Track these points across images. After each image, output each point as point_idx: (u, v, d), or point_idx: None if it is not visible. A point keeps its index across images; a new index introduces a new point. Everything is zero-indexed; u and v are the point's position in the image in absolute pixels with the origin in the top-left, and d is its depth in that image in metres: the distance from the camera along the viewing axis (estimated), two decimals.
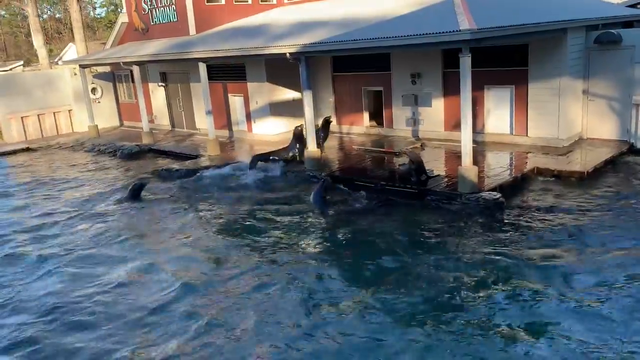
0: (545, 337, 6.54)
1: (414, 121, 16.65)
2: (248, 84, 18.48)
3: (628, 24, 15.85)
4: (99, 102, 24.50)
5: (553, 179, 12.20)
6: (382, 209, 11.52)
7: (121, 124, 25.34)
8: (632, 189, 11.31)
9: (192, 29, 18.95)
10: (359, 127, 18.36)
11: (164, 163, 17.29)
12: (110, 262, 9.87)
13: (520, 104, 14.56)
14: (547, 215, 10.34)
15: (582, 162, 12.83)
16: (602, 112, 14.31)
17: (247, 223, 11.35)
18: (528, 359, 6.22)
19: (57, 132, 24.18)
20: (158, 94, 22.36)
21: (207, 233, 11.03)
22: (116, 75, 24.67)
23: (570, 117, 14.14)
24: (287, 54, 13.75)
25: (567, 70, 13.62)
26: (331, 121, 15.94)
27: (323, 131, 15.43)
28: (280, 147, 15.56)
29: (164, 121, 22.59)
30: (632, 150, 13.64)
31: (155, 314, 7.90)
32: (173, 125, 22.35)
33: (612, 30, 13.80)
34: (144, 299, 8.35)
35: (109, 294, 8.63)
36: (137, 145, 19.74)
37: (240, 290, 8.39)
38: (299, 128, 14.94)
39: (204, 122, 18.59)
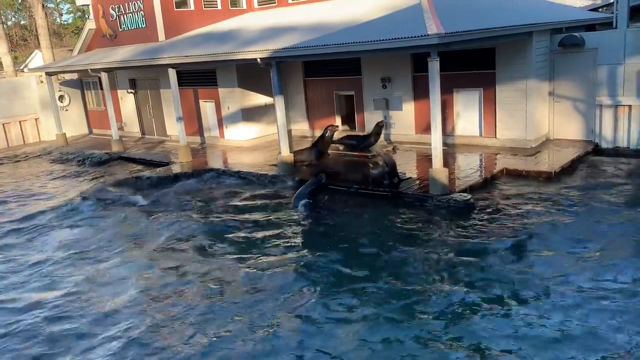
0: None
1: (386, 125, 16.78)
2: (219, 89, 18.38)
3: (590, 27, 16.33)
4: (66, 110, 24.03)
5: (522, 179, 12.44)
6: (355, 212, 11.58)
7: (90, 132, 24.90)
8: (597, 188, 11.60)
9: (161, 35, 18.77)
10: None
11: (134, 171, 17.04)
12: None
13: (489, 106, 14.83)
14: (515, 215, 10.54)
15: (549, 162, 13.12)
16: (568, 113, 14.67)
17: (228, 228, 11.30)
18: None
19: (24, 142, 23.60)
20: (127, 100, 22.06)
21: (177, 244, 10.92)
22: (84, 82, 24.25)
23: (537, 119, 14.45)
24: (258, 60, 13.74)
25: (533, 73, 13.92)
26: (382, 125, 15.33)
27: (374, 137, 15.10)
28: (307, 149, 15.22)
29: (133, 128, 22.29)
30: (597, 150, 14.01)
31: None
32: (143, 133, 22.07)
33: (575, 34, 14.17)
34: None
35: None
36: (106, 153, 19.43)
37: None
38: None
39: (174, 128, 18.41)
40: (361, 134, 16.39)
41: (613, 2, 15.86)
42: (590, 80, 14.07)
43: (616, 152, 13.73)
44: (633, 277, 7.80)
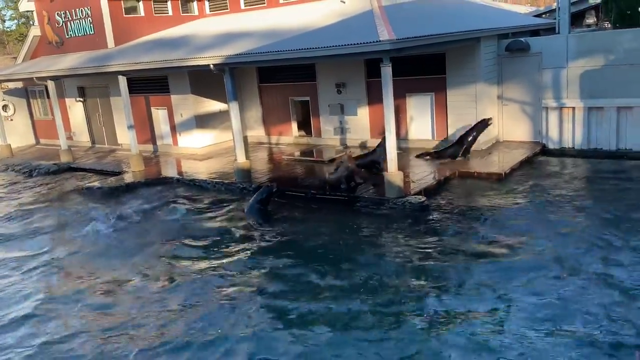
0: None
1: (341, 129, 16.91)
2: (172, 96, 18.08)
3: (535, 32, 16.92)
4: (11, 119, 23.09)
5: (474, 180, 12.75)
6: (311, 217, 11.59)
7: (37, 142, 24.00)
8: (544, 187, 12.02)
9: (110, 42, 18.31)
10: (288, 137, 18.41)
11: (85, 181, 16.51)
12: None
13: (440, 110, 15.15)
14: (468, 215, 10.81)
15: (499, 163, 13.50)
16: (516, 115, 15.15)
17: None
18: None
19: None
20: (76, 109, 21.41)
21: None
22: (29, 91, 23.36)
23: None
24: (211, 66, 13.59)
25: (482, 77, 14.32)
26: (490, 123, 14.03)
27: (476, 131, 13.91)
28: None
29: (83, 137, 21.65)
30: (544, 150, 14.51)
31: None
32: (93, 142, 21.46)
33: (521, 39, 14.68)
34: None
35: None
36: (55, 163, 18.78)
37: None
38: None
39: (126, 137, 17.97)
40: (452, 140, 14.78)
41: (555, 9, 16.50)
42: (536, 84, 14.58)
43: (562, 153, 14.26)
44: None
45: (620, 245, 8.83)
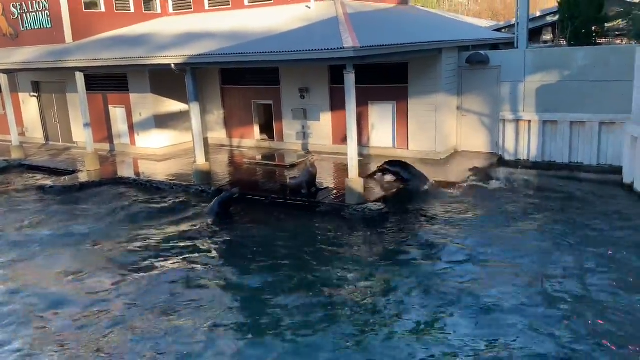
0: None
1: (304, 135, 16.89)
2: (131, 94, 17.67)
3: (494, 46, 17.37)
4: None
5: (432, 188, 12.92)
6: (271, 222, 11.51)
7: None
8: (497, 196, 12.38)
9: (68, 37, 17.76)
10: (250, 141, 18.27)
11: (38, 180, 15.93)
12: None
13: (402, 119, 15.32)
14: (425, 222, 11.03)
15: (457, 173, 13.74)
16: (474, 126, 15.48)
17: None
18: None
19: None
20: (30, 104, 20.66)
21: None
22: None
23: (446, 132, 15.13)
24: (173, 65, 13.37)
25: (442, 87, 14.58)
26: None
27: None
28: None
29: (36, 134, 20.90)
30: (501, 161, 14.87)
31: None
32: (47, 139, 20.75)
33: (481, 52, 15.02)
34: None
35: None
36: (5, 160, 18.05)
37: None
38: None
39: (81, 134, 17.44)
40: None
41: (514, 24, 16.99)
42: (494, 96, 14.94)
43: (517, 164, 14.64)
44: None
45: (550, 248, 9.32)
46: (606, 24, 17.80)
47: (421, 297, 8.02)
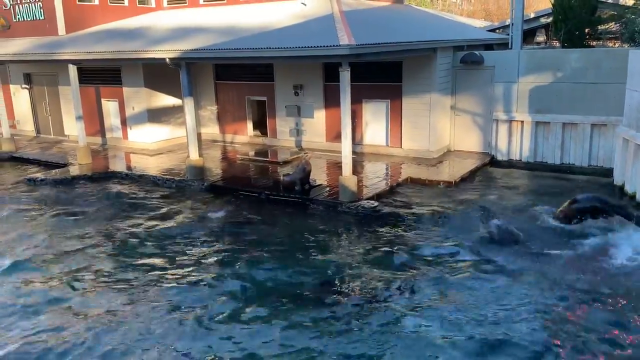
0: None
1: (297, 132, 16.88)
2: (124, 88, 17.57)
3: (489, 46, 17.44)
4: None
5: (425, 187, 12.98)
6: (264, 218, 11.50)
7: None
8: (489, 197, 12.39)
9: (61, 29, 17.62)
10: (243, 137, 18.23)
11: (29, 172, 15.79)
12: None
13: (395, 117, 15.36)
14: (417, 220, 11.01)
15: (450, 172, 13.81)
16: (468, 126, 15.54)
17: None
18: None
19: None
20: (21, 96, 20.49)
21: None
22: None
23: (440, 131, 15.18)
24: (167, 60, 13.31)
25: (436, 87, 14.62)
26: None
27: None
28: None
29: (27, 127, 20.74)
30: (493, 161, 14.94)
31: None
32: (38, 131, 20.60)
33: (476, 52, 15.08)
34: None
35: None
36: None
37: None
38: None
39: (73, 128, 17.32)
40: None
41: (509, 25, 17.08)
42: (488, 96, 15.01)
43: (510, 164, 14.72)
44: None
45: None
46: (599, 27, 17.92)
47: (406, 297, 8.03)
